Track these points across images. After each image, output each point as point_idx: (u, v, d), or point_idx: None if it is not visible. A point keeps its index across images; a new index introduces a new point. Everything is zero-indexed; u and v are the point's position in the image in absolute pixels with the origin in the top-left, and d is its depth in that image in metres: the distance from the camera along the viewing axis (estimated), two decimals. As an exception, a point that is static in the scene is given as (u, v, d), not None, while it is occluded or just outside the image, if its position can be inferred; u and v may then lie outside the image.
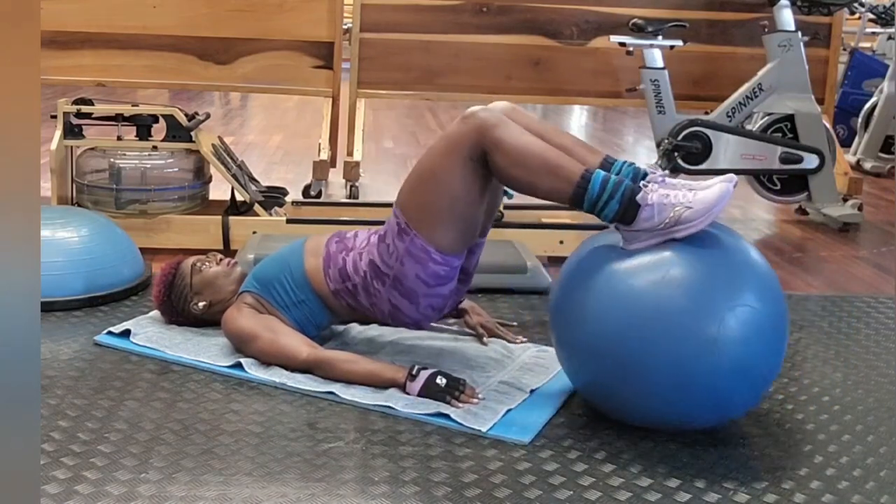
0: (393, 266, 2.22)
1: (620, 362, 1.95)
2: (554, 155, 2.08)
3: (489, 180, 2.16)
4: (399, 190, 2.24)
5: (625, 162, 2.15)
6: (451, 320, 2.62)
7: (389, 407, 2.11)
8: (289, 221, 3.45)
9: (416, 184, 2.20)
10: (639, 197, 2.00)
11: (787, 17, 4.13)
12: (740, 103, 4.13)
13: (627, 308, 1.94)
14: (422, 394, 2.14)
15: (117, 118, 3.49)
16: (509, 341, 2.54)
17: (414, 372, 2.17)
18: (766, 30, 4.17)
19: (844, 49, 6.17)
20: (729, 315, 1.91)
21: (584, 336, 2.02)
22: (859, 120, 5.92)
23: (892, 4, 5.91)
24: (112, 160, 3.48)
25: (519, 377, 2.31)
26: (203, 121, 3.54)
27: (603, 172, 2.04)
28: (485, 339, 2.53)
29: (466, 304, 2.59)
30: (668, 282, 1.93)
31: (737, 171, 4.19)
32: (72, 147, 3.51)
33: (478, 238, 2.31)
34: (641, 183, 2.04)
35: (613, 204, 2.00)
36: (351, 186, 4.35)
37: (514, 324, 2.67)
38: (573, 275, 2.10)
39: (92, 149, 3.51)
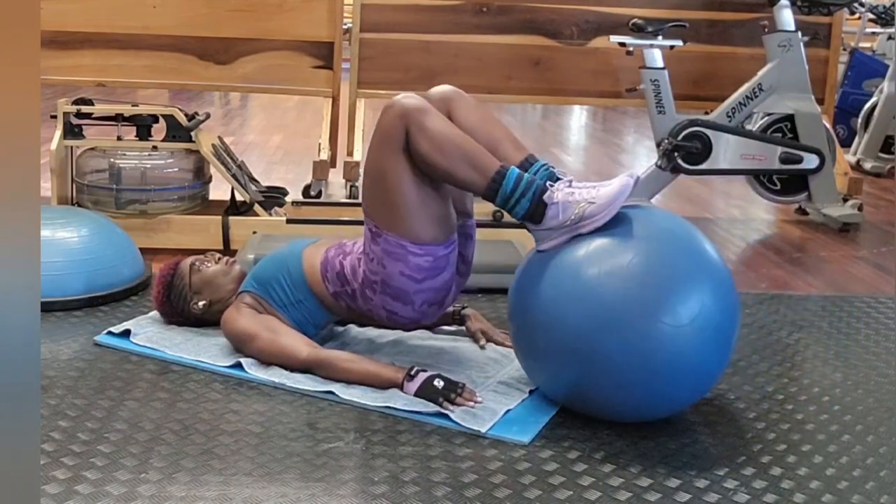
0: (378, 272, 2.22)
1: (577, 358, 2.00)
2: (473, 147, 2.12)
3: (426, 168, 2.17)
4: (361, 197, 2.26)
5: (544, 164, 2.19)
6: (453, 327, 2.61)
7: (389, 407, 2.11)
8: (289, 221, 3.45)
9: (368, 185, 2.22)
10: (545, 196, 2.07)
11: (787, 17, 4.13)
12: (740, 103, 4.13)
13: (577, 304, 1.99)
14: (418, 395, 2.13)
15: (117, 118, 3.49)
16: (508, 347, 2.52)
17: (412, 373, 2.17)
18: (766, 30, 4.17)
19: (844, 49, 6.17)
20: (678, 305, 1.95)
21: (541, 338, 2.05)
22: (859, 120, 5.92)
23: (893, 4, 5.91)
24: (112, 160, 3.48)
25: (517, 378, 2.30)
26: (203, 121, 3.54)
27: (518, 170, 2.10)
28: (482, 343, 2.51)
29: (469, 311, 2.59)
30: (614, 274, 1.97)
31: (737, 172, 4.20)
32: (72, 147, 3.51)
33: (463, 219, 2.31)
34: (548, 183, 2.10)
35: (524, 202, 2.07)
36: (351, 186, 4.34)
37: None
38: (524, 280, 2.13)
39: (92, 149, 3.51)
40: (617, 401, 2.03)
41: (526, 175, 2.10)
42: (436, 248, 2.20)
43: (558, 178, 2.15)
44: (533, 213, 2.08)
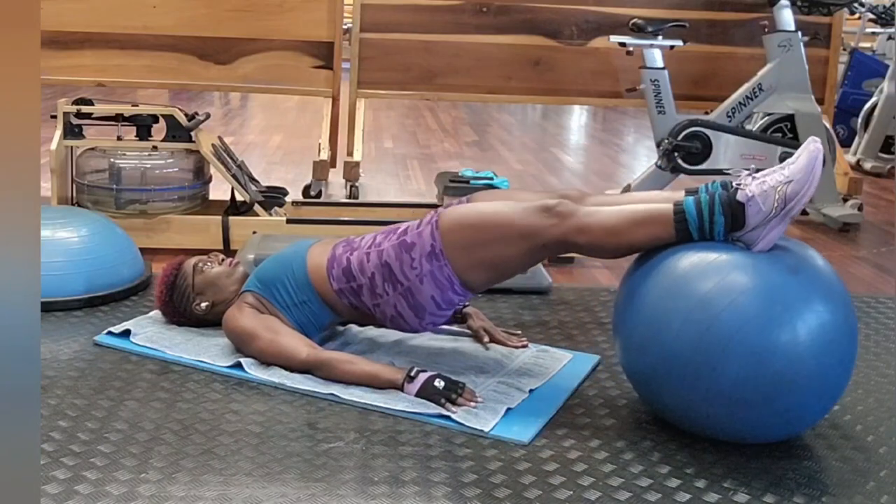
0: (411, 279, 2.23)
1: (686, 369, 1.91)
2: (636, 209, 2.09)
3: (545, 257, 2.22)
4: (446, 213, 2.23)
5: (707, 184, 2.10)
6: (455, 326, 2.61)
7: (389, 407, 2.11)
8: (289, 221, 3.45)
9: (474, 230, 2.18)
10: (739, 196, 1.98)
11: (787, 17, 4.13)
12: (740, 103, 4.13)
13: (698, 313, 1.90)
14: (419, 395, 2.13)
15: (117, 118, 3.49)
16: (510, 346, 2.52)
17: (412, 374, 2.17)
18: (766, 30, 4.17)
19: (844, 49, 6.18)
20: (800, 325, 1.86)
21: (650, 339, 1.97)
22: (859, 120, 5.92)
23: (893, 4, 5.91)
24: (112, 160, 3.48)
25: (518, 377, 2.31)
26: (203, 121, 3.54)
27: (692, 197, 2.03)
28: (486, 341, 2.52)
29: (470, 309, 2.59)
30: (736, 289, 1.89)
31: (737, 172, 4.20)
32: (72, 147, 3.51)
33: None
34: (734, 183, 2.03)
35: (718, 218, 1.99)
36: (351, 186, 4.35)
37: (518, 332, 2.64)
38: (642, 273, 2.05)
39: (92, 149, 3.51)
40: (735, 421, 1.93)
41: (703, 195, 2.02)
42: (471, 294, 2.27)
43: (729, 183, 2.05)
44: (734, 222, 1.98)
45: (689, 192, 2.09)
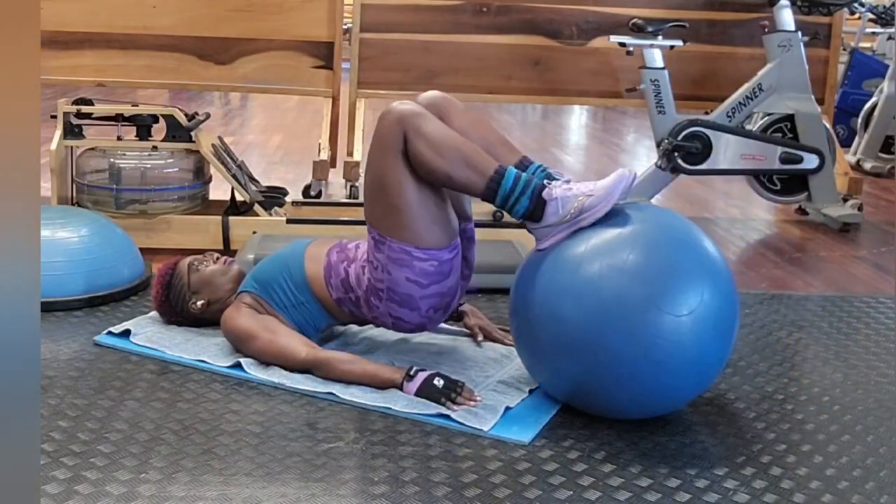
0: (383, 279, 2.22)
1: (578, 353, 2.00)
2: (470, 148, 2.14)
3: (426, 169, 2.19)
4: (363, 207, 2.27)
5: (539, 165, 2.21)
6: (452, 325, 2.61)
7: (389, 407, 2.11)
8: (289, 221, 3.45)
9: (369, 193, 2.22)
10: (544, 193, 2.08)
11: (787, 17, 4.13)
12: (740, 103, 4.13)
13: (577, 299, 2.00)
14: (418, 395, 2.13)
15: (117, 118, 3.49)
16: (507, 345, 2.53)
17: (412, 373, 2.17)
18: (766, 30, 4.17)
19: (844, 49, 6.18)
20: (678, 297, 1.95)
21: (542, 335, 2.06)
22: (859, 120, 5.92)
23: (893, 4, 5.91)
24: (112, 160, 3.48)
25: (517, 377, 2.31)
26: (203, 121, 3.54)
27: (516, 170, 2.12)
28: (479, 339, 2.52)
29: (466, 307, 2.59)
30: (616, 269, 1.98)
31: (737, 172, 4.20)
32: (72, 147, 3.51)
33: (463, 223, 2.32)
34: (546, 181, 2.12)
35: (524, 200, 2.09)
36: (351, 186, 4.35)
37: None
38: (525, 277, 2.14)
39: (92, 149, 3.51)
40: (618, 396, 2.03)
41: (524, 174, 2.12)
42: (440, 252, 2.20)
43: (555, 178, 2.16)
44: (533, 211, 2.09)
45: (521, 164, 2.20)
